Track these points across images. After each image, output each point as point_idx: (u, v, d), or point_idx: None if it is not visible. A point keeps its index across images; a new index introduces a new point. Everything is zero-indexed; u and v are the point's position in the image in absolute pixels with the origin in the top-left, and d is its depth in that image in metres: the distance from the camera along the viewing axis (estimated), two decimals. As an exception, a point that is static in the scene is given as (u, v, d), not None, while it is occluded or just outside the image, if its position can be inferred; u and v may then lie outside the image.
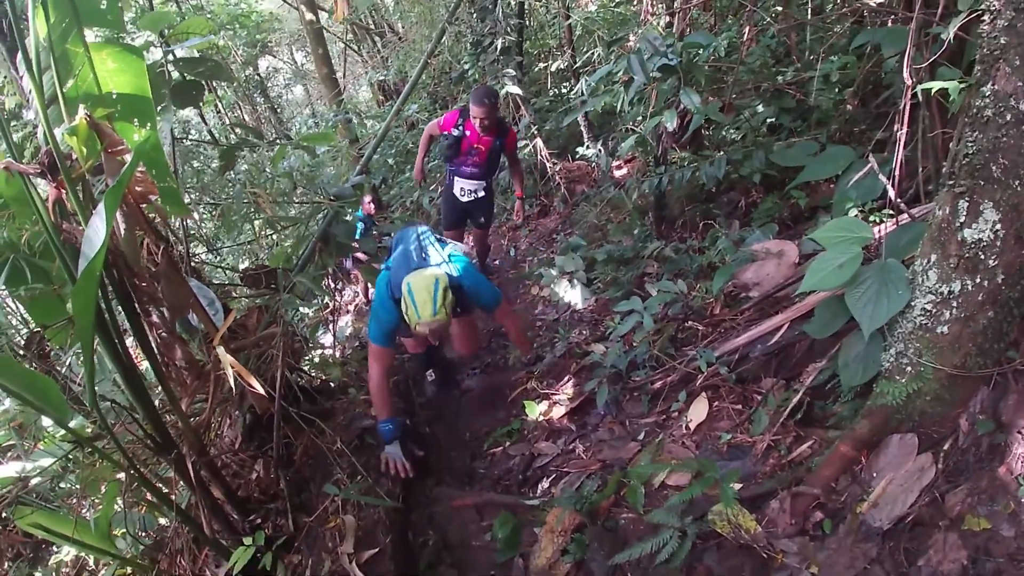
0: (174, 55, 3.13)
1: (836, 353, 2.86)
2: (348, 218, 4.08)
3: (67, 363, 2.92)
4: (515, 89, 7.27)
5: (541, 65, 10.05)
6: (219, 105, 13.87)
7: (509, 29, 7.26)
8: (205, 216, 4.26)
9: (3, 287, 2.52)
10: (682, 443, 3.29)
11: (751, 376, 3.42)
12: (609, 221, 6.36)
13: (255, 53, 14.31)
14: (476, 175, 5.39)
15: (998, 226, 2.11)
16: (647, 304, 3.80)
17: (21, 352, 2.69)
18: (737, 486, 2.71)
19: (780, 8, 5.65)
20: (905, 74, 2.88)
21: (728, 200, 5.26)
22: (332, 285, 4.37)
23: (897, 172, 3.00)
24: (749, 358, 3.41)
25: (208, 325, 2.60)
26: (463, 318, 3.94)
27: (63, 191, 2.04)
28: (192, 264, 3.30)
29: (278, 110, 17.16)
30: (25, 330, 3.22)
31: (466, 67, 8.44)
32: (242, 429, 3.23)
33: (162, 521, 3.11)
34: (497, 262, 7.20)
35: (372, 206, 6.78)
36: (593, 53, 8.10)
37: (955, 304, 2.27)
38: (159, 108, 3.10)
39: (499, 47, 7.23)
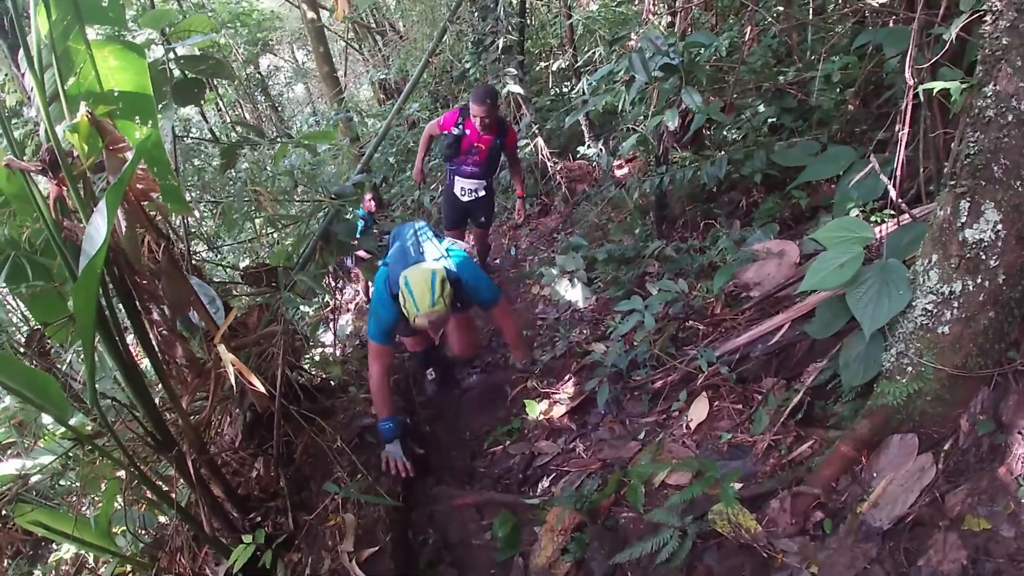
0: (175, 53, 3.13)
1: (837, 353, 2.86)
2: (349, 216, 4.08)
3: (67, 361, 2.92)
4: (516, 88, 7.27)
5: (542, 64, 10.05)
6: (220, 103, 13.86)
7: (510, 28, 7.26)
8: (206, 214, 4.25)
9: (4, 284, 2.52)
10: (682, 442, 3.29)
11: (752, 376, 3.42)
12: (610, 220, 6.35)
13: (256, 51, 14.31)
14: (477, 174, 5.40)
15: (999, 226, 2.11)
16: (648, 303, 3.79)
17: (22, 350, 2.69)
18: (737, 486, 2.71)
19: (781, 8, 5.65)
20: (907, 74, 2.88)
21: (729, 200, 5.26)
22: (333, 283, 4.36)
23: (898, 172, 3.00)
24: (750, 358, 3.41)
25: (209, 323, 2.60)
26: (461, 317, 3.93)
27: (64, 188, 2.04)
28: (193, 262, 3.30)
29: (279, 108, 17.17)
30: (25, 328, 3.21)
31: (467, 66, 8.44)
32: (242, 427, 3.23)
33: (162, 519, 3.11)
34: (498, 261, 7.20)
35: (373, 203, 6.78)
36: (594, 52, 8.10)
37: (956, 304, 2.27)
38: (160, 106, 3.10)
39: (500, 46, 7.23)
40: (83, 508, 3.08)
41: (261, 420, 3.19)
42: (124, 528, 2.95)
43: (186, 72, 3.24)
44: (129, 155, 2.04)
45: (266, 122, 16.02)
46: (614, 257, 5.12)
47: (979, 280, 2.20)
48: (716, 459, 3.02)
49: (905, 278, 2.45)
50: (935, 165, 3.33)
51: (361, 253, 5.44)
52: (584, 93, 5.65)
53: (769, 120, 5.01)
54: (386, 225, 6.54)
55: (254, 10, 13.37)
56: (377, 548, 2.95)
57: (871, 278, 2.53)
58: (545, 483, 3.58)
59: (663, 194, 5.10)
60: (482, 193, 5.52)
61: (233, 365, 2.41)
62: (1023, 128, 1.98)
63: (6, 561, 2.86)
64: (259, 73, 15.62)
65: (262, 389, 2.51)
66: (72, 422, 2.17)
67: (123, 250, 2.16)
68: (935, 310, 2.33)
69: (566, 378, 4.32)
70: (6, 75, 3.31)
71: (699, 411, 3.38)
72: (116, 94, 2.33)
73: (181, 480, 2.65)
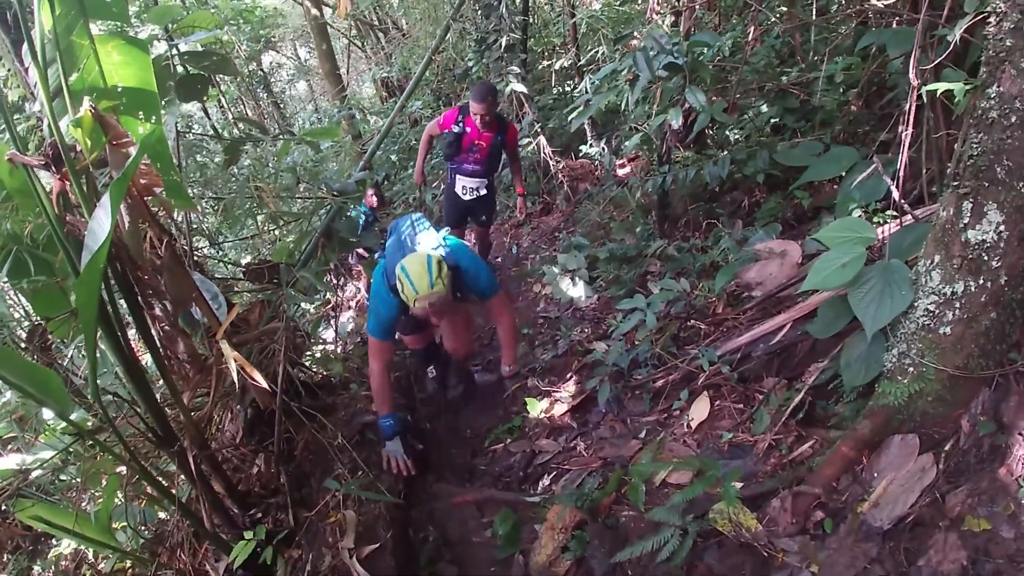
0: (178, 49, 3.13)
1: (838, 353, 2.86)
2: (351, 213, 4.08)
3: (69, 356, 2.93)
4: (519, 87, 7.27)
5: (545, 63, 10.05)
6: (222, 100, 13.87)
7: (513, 26, 7.25)
8: (208, 210, 4.26)
9: (6, 279, 2.52)
10: (683, 441, 3.29)
11: (753, 375, 3.42)
12: (612, 219, 6.35)
13: (259, 48, 14.30)
14: (478, 172, 5.40)
15: (1002, 227, 2.11)
16: (650, 302, 3.79)
17: (23, 344, 2.69)
18: (738, 485, 2.71)
19: (785, 8, 5.64)
20: (910, 75, 2.88)
21: (731, 199, 5.26)
22: (334, 281, 4.37)
23: (901, 173, 3.00)
24: (751, 357, 3.41)
25: (211, 319, 2.60)
26: (458, 315, 3.90)
27: (67, 183, 2.04)
28: (195, 258, 3.30)
29: (281, 106, 17.16)
30: (27, 323, 3.22)
31: (470, 64, 8.44)
32: (243, 423, 3.23)
33: (162, 515, 3.12)
34: (499, 259, 7.20)
35: (374, 198, 6.78)
36: (597, 51, 8.09)
37: (958, 305, 2.27)
38: (164, 102, 3.11)
39: (503, 44, 7.23)
40: (83, 503, 3.08)
41: (262, 416, 3.20)
42: (124, 524, 2.96)
43: (189, 68, 3.24)
44: (132, 150, 2.04)
45: (268, 119, 16.02)
46: (616, 256, 5.12)
47: (981, 281, 2.20)
48: (717, 458, 3.02)
49: (907, 279, 2.45)
50: (938, 166, 3.33)
51: (362, 252, 5.45)
52: (587, 92, 5.64)
53: (772, 120, 5.01)
54: (387, 222, 6.54)
55: (257, 7, 13.36)
56: (378, 545, 2.96)
57: (873, 278, 2.53)
58: (546, 481, 3.58)
59: (665, 193, 5.10)
60: (484, 192, 5.51)
61: (235, 361, 2.41)
62: (1027, 129, 1.98)
63: (6, 556, 2.87)
64: (261, 70, 15.62)
65: (264, 385, 2.51)
66: (73, 417, 2.18)
67: (126, 245, 2.16)
68: (937, 311, 2.33)
69: (567, 376, 4.32)
70: (9, 70, 3.32)
71: (700, 410, 3.38)
72: (120, 89, 2.33)
73: (182, 476, 2.65)
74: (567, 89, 9.19)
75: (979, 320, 2.25)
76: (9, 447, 3.17)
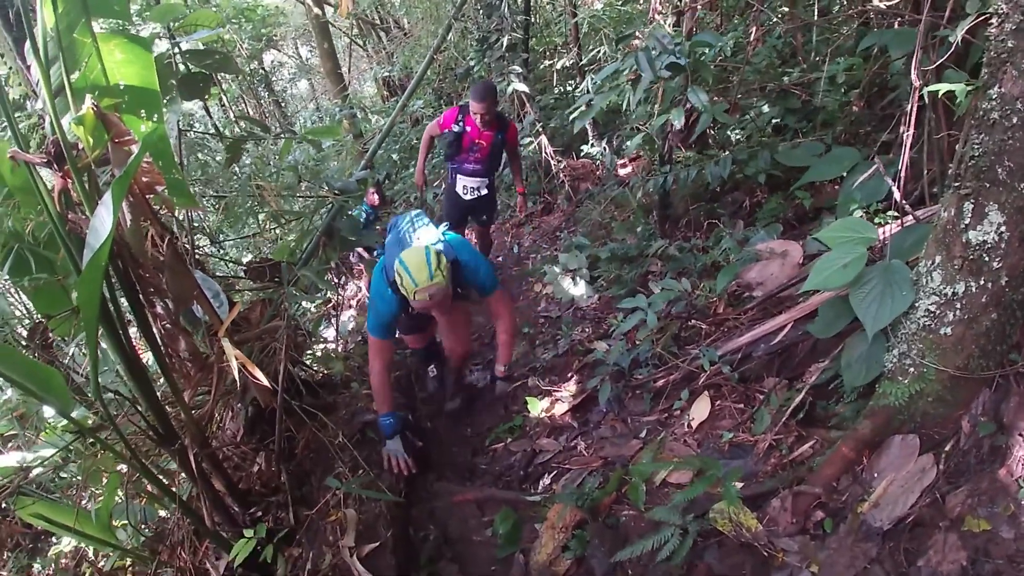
0: (180, 47, 3.14)
1: (839, 353, 2.86)
2: (353, 212, 4.08)
3: (70, 354, 2.93)
4: (521, 86, 7.27)
5: (547, 62, 10.03)
6: (224, 98, 13.87)
7: (515, 26, 7.26)
8: (209, 209, 4.26)
9: (7, 277, 2.52)
10: (684, 441, 3.30)
11: (754, 375, 3.42)
12: (613, 219, 6.35)
13: (260, 47, 14.30)
14: (479, 172, 5.40)
15: (1003, 228, 2.11)
16: (651, 302, 3.79)
17: (25, 342, 2.69)
18: (739, 485, 2.71)
19: (786, 9, 5.64)
20: (912, 76, 2.88)
21: (733, 200, 5.26)
22: (335, 279, 4.37)
23: (902, 174, 3.00)
24: (752, 357, 3.41)
25: (212, 317, 2.60)
26: (456, 310, 3.88)
27: (69, 181, 2.04)
28: (196, 256, 3.31)
29: (282, 104, 17.15)
30: (29, 321, 3.22)
31: (472, 64, 8.43)
32: (244, 422, 3.23)
33: (163, 513, 3.12)
34: (500, 259, 7.21)
35: (376, 197, 6.78)
36: (599, 51, 8.09)
37: (959, 306, 2.27)
38: (166, 100, 3.11)
39: (505, 44, 7.23)
40: (84, 501, 3.08)
41: (263, 415, 3.20)
42: (125, 522, 2.96)
43: (191, 66, 3.25)
44: (134, 149, 2.04)
45: (269, 118, 16.01)
46: (617, 256, 5.12)
47: (982, 282, 2.20)
48: (717, 458, 3.03)
49: (908, 279, 2.45)
50: (939, 167, 3.33)
51: (362, 251, 5.45)
52: (588, 91, 5.64)
53: (773, 120, 5.00)
54: (388, 221, 6.55)
55: (258, 5, 13.36)
56: (378, 544, 2.96)
57: (874, 279, 2.53)
58: (546, 480, 3.59)
59: (667, 193, 5.10)
60: (484, 191, 5.51)
61: (236, 359, 2.41)
62: (1028, 130, 1.98)
63: (6, 554, 2.88)
64: (263, 69, 15.61)
65: (265, 383, 2.51)
66: (74, 415, 2.18)
67: (127, 243, 2.16)
68: (938, 311, 2.33)
69: (568, 376, 4.33)
70: (11, 68, 3.32)
71: (701, 410, 3.38)
72: (122, 87, 2.33)
73: (182, 474, 2.65)
74: (569, 89, 9.19)
75: (980, 321, 2.25)
76: (10, 445, 3.17)
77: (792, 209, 4.59)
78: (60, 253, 2.22)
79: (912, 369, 2.44)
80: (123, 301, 2.28)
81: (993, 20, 2.04)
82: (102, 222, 1.74)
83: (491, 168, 5.47)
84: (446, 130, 5.27)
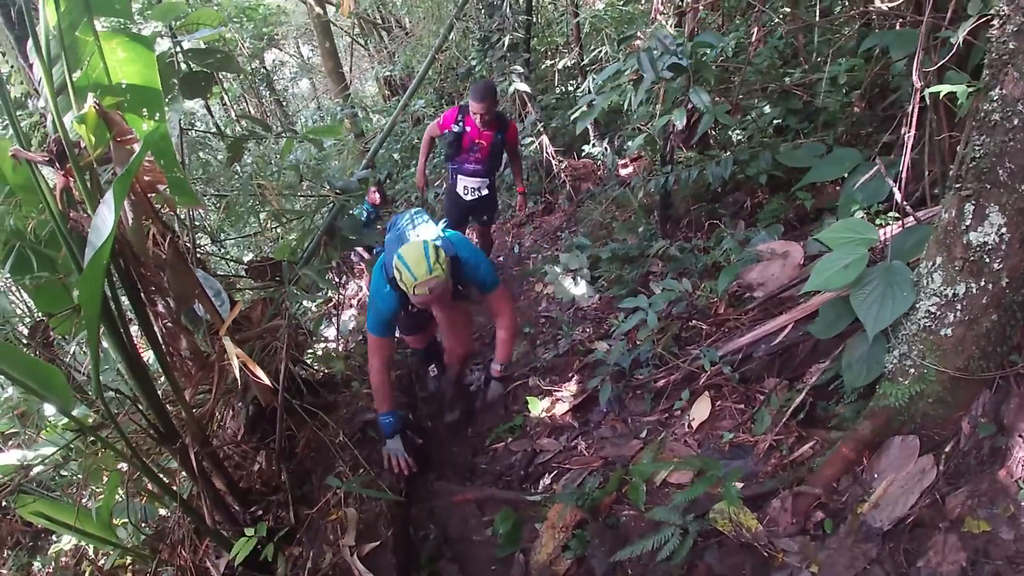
0: (182, 46, 3.14)
1: (840, 354, 2.87)
2: (354, 211, 4.08)
3: (71, 352, 2.93)
4: (522, 86, 7.27)
5: (548, 62, 10.04)
6: (225, 97, 13.88)
7: (517, 26, 7.26)
8: (210, 208, 4.26)
9: (9, 275, 2.53)
10: (684, 441, 3.30)
11: (754, 376, 3.42)
12: (614, 219, 6.36)
13: (262, 46, 14.31)
14: (479, 172, 5.40)
15: (1004, 230, 2.11)
16: (651, 302, 3.79)
17: (26, 340, 2.69)
18: (739, 485, 2.71)
19: (788, 9, 5.64)
20: (914, 77, 2.88)
21: (734, 200, 5.26)
22: (336, 279, 4.37)
23: (904, 175, 2.99)
24: (752, 358, 3.42)
25: (214, 316, 2.60)
26: (457, 309, 3.88)
27: (71, 179, 2.05)
28: (198, 255, 3.31)
29: (284, 103, 17.18)
30: (30, 319, 3.23)
31: (473, 63, 8.44)
32: (245, 421, 3.23)
33: (163, 511, 3.12)
34: (501, 258, 7.21)
35: (377, 196, 6.79)
36: (601, 51, 8.09)
37: (959, 307, 2.27)
38: (167, 98, 3.11)
39: (506, 44, 7.23)
40: (85, 500, 3.09)
41: (264, 414, 3.20)
42: (126, 520, 2.96)
43: (193, 65, 3.25)
44: (136, 147, 2.05)
45: (270, 117, 16.03)
46: (618, 256, 5.12)
47: (982, 283, 2.20)
48: (718, 458, 3.03)
49: (909, 280, 2.45)
50: (940, 168, 3.33)
51: (363, 250, 5.44)
52: (590, 92, 5.63)
53: (775, 121, 5.01)
54: (389, 220, 6.55)
55: (260, 4, 13.37)
56: (378, 543, 2.96)
57: (875, 280, 2.53)
58: (547, 480, 3.59)
59: (668, 194, 5.10)
60: (485, 191, 5.51)
61: (237, 358, 2.41)
62: (1029, 131, 1.98)
63: (6, 552, 2.88)
64: (264, 68, 15.63)
65: (266, 382, 2.51)
66: (75, 413, 2.18)
67: (129, 242, 2.16)
68: (938, 312, 2.33)
69: (569, 376, 4.33)
70: (13, 67, 3.32)
71: (701, 410, 3.38)
72: (124, 86, 2.33)
73: (183, 473, 2.65)
74: (570, 89, 9.19)
75: (980, 322, 2.25)
76: (11, 443, 3.18)
77: (793, 210, 4.59)
78: (62, 251, 2.23)
79: (912, 370, 2.44)
80: (124, 300, 2.28)
81: (994, 22, 2.04)
82: (104, 221, 1.74)
83: (491, 168, 5.47)
84: (446, 130, 5.27)
